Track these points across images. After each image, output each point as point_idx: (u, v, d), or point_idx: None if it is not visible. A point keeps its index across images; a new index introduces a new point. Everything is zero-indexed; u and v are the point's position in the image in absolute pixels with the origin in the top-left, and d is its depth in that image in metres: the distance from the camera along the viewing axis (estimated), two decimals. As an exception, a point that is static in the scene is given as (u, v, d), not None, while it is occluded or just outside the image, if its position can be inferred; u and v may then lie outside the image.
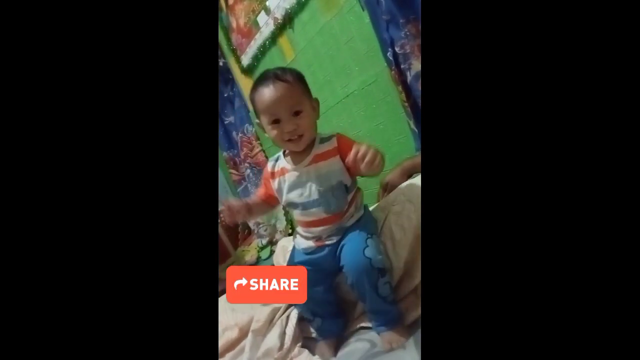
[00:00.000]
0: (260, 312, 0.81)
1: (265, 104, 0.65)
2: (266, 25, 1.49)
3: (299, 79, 0.68)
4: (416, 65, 0.98)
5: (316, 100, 0.71)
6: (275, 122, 0.66)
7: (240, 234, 2.19)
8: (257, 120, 0.73)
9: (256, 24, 1.54)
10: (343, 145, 0.68)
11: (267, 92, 0.65)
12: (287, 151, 0.73)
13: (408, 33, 0.96)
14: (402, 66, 1.01)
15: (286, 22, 1.39)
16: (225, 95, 2.10)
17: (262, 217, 2.01)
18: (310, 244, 0.72)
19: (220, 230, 1.89)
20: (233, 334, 0.81)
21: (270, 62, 1.56)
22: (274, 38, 1.49)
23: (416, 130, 1.08)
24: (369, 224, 0.74)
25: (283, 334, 0.75)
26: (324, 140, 0.70)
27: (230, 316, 0.86)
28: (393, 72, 1.03)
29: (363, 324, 0.73)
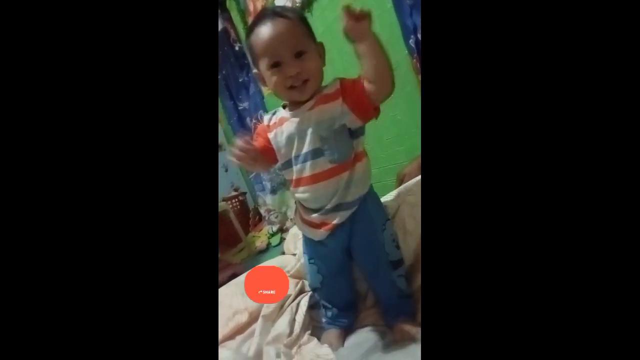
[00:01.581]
0: (271, 298, 0.82)
1: (264, 43, 0.57)
2: (284, 9, 1.46)
3: (301, 17, 0.61)
4: (439, 54, 0.94)
5: (321, 45, 0.62)
6: (275, 65, 0.57)
7: (252, 220, 2.21)
8: (255, 71, 0.63)
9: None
10: (346, 86, 0.61)
11: (265, 30, 0.57)
12: (286, 105, 0.65)
13: (432, 19, 0.92)
14: (424, 54, 0.98)
15: (304, 6, 1.36)
16: (240, 80, 2.09)
17: (273, 205, 2.02)
18: (320, 231, 0.66)
19: (232, 216, 1.91)
20: (243, 317, 0.82)
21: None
22: (291, 22, 1.46)
23: (435, 122, 1.05)
24: (378, 208, 0.70)
25: (293, 321, 0.76)
26: (326, 86, 0.63)
27: (240, 300, 0.87)
28: (415, 60, 1.00)
29: (373, 321, 0.73)
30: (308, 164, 0.62)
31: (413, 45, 0.98)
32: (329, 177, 0.62)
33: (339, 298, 0.73)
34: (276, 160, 0.67)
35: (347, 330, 0.71)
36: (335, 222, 0.64)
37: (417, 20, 0.95)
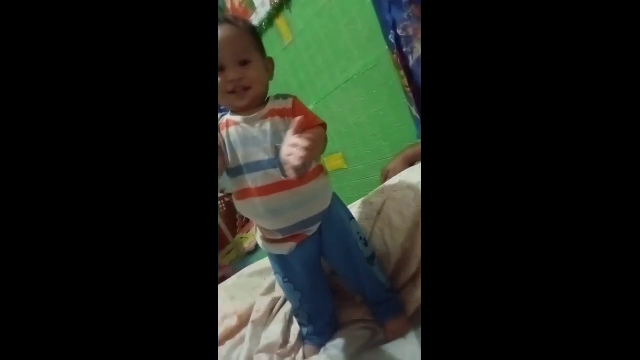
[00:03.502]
0: (260, 302, 0.81)
1: None
2: (262, 5, 1.43)
3: (251, 29, 0.62)
4: (419, 49, 0.94)
5: (270, 60, 0.63)
6: (219, 69, 0.57)
7: (239, 221, 2.19)
8: None
9: (252, 4, 1.48)
10: (299, 110, 0.59)
11: None
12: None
13: (411, 14, 0.92)
14: (404, 49, 0.98)
15: (283, 2, 1.34)
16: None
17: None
18: (289, 244, 0.63)
19: (219, 218, 1.88)
20: (232, 322, 0.81)
21: (267, 44, 1.52)
22: (270, 19, 1.43)
23: (418, 117, 1.05)
24: (343, 209, 0.69)
25: (287, 331, 0.74)
26: (279, 97, 0.61)
27: (229, 304, 0.86)
28: (395, 55, 1.00)
29: (362, 316, 0.73)
30: (261, 173, 0.58)
31: (393, 41, 0.98)
32: (281, 190, 0.58)
33: (320, 312, 0.71)
34: (225, 165, 0.60)
35: (321, 346, 0.70)
36: (307, 234, 0.63)
37: (396, 15, 0.95)
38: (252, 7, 1.49)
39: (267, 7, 1.40)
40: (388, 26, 0.98)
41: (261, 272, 0.96)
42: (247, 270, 1.01)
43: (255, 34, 0.62)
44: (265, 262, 1.02)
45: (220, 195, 2.29)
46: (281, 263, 0.68)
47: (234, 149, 0.59)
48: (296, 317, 0.74)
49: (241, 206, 0.61)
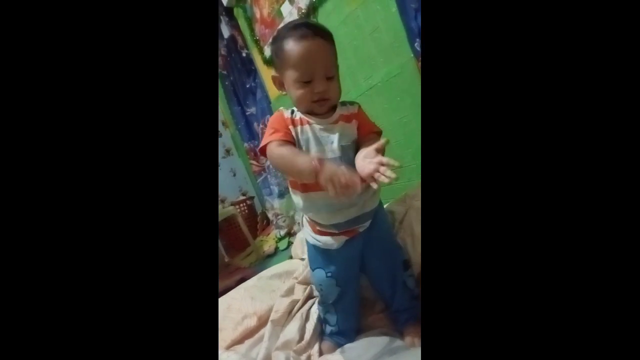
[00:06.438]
0: (280, 303, 0.82)
1: (302, 59, 0.59)
2: (290, 15, 1.47)
3: (333, 40, 0.64)
4: (444, 56, 0.94)
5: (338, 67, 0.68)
6: (307, 81, 0.61)
7: (260, 224, 2.22)
8: (275, 74, 0.66)
9: (280, 14, 1.53)
10: (362, 116, 0.67)
11: (306, 46, 0.59)
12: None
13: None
14: (429, 57, 0.97)
15: (310, 11, 1.37)
16: (248, 86, 2.11)
17: (281, 209, 2.03)
18: (340, 237, 0.67)
19: (240, 220, 1.93)
20: (252, 322, 0.83)
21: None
22: (297, 28, 1.47)
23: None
24: (385, 212, 0.73)
25: (303, 328, 0.76)
26: (345, 103, 0.67)
27: (249, 304, 0.87)
28: (420, 63, 1.00)
29: (381, 325, 0.73)
30: None
31: (418, 48, 0.98)
32: None
33: (349, 313, 0.73)
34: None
35: (340, 346, 0.71)
36: (359, 230, 0.67)
37: (422, 23, 0.95)
38: (280, 17, 1.54)
39: (295, 16, 1.44)
40: (413, 34, 0.99)
41: (280, 275, 0.98)
42: (266, 272, 1.02)
43: (334, 44, 0.65)
44: (284, 265, 1.04)
45: (242, 197, 2.35)
46: (327, 258, 0.70)
47: (307, 145, 0.63)
48: (324, 314, 0.75)
49: (304, 198, 0.65)
